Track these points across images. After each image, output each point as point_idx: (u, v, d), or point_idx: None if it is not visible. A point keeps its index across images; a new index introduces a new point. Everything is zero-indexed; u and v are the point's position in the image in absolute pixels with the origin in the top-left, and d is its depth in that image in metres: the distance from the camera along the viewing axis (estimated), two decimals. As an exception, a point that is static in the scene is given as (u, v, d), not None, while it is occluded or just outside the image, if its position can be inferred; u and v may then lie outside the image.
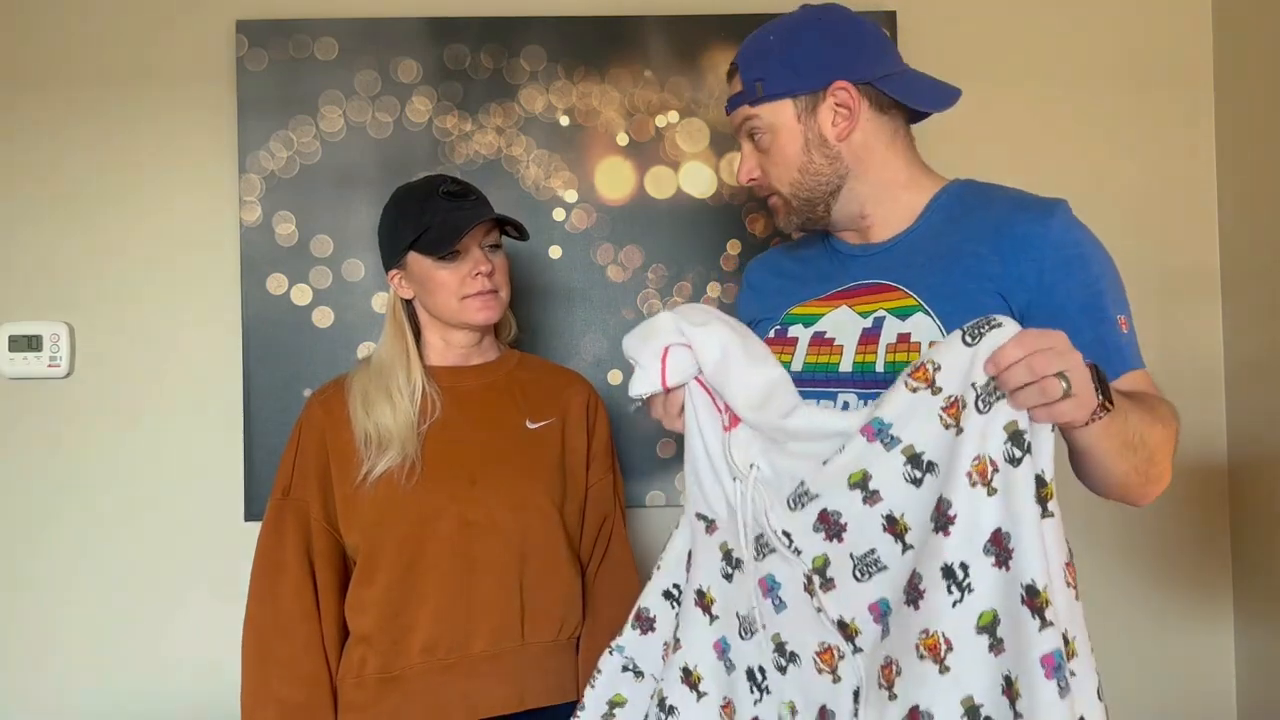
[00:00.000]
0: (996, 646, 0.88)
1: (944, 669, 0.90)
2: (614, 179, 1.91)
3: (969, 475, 0.90)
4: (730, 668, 1.12)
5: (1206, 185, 1.98)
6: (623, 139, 1.91)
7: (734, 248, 1.92)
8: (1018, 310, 1.13)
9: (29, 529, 1.88)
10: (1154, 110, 1.97)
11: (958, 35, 1.95)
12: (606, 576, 1.52)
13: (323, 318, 1.88)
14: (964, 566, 0.90)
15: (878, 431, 0.97)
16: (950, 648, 0.90)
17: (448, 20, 1.90)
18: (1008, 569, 0.88)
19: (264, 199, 1.88)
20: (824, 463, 1.01)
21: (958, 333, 0.93)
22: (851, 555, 1.00)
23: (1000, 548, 0.89)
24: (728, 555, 1.12)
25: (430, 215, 1.43)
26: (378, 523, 1.41)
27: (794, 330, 1.26)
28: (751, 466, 1.07)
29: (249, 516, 1.85)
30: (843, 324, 1.21)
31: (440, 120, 1.90)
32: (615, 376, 1.90)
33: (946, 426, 0.93)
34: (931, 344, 1.01)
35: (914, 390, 0.94)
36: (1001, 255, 1.15)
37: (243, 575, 1.44)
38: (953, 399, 0.92)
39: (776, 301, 1.31)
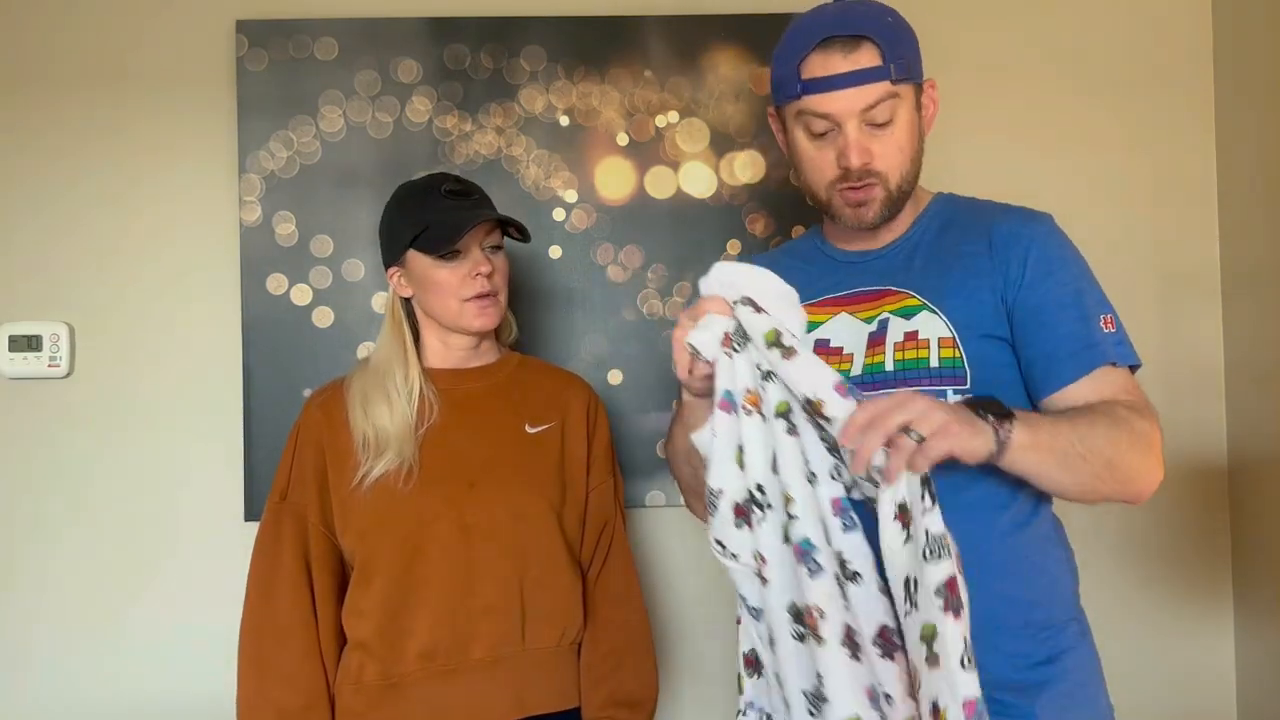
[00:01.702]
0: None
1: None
2: (614, 179, 1.91)
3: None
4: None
5: (1206, 185, 1.97)
6: (623, 139, 1.91)
7: (734, 248, 1.91)
8: (1005, 306, 1.17)
9: (29, 529, 1.88)
10: (1154, 110, 1.97)
11: (957, 35, 1.95)
12: (607, 581, 1.51)
13: (323, 318, 1.88)
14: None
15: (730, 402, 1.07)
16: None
17: (448, 20, 1.90)
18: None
19: (264, 199, 1.88)
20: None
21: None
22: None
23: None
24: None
25: (431, 213, 1.42)
26: (375, 527, 1.40)
27: None
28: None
29: (249, 517, 1.85)
30: (846, 332, 1.22)
31: (440, 120, 1.90)
32: (615, 377, 1.90)
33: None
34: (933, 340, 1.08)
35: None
36: (992, 254, 1.19)
37: (243, 575, 1.44)
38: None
39: None
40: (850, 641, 0.98)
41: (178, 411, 1.89)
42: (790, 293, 1.10)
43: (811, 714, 1.01)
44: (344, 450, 1.43)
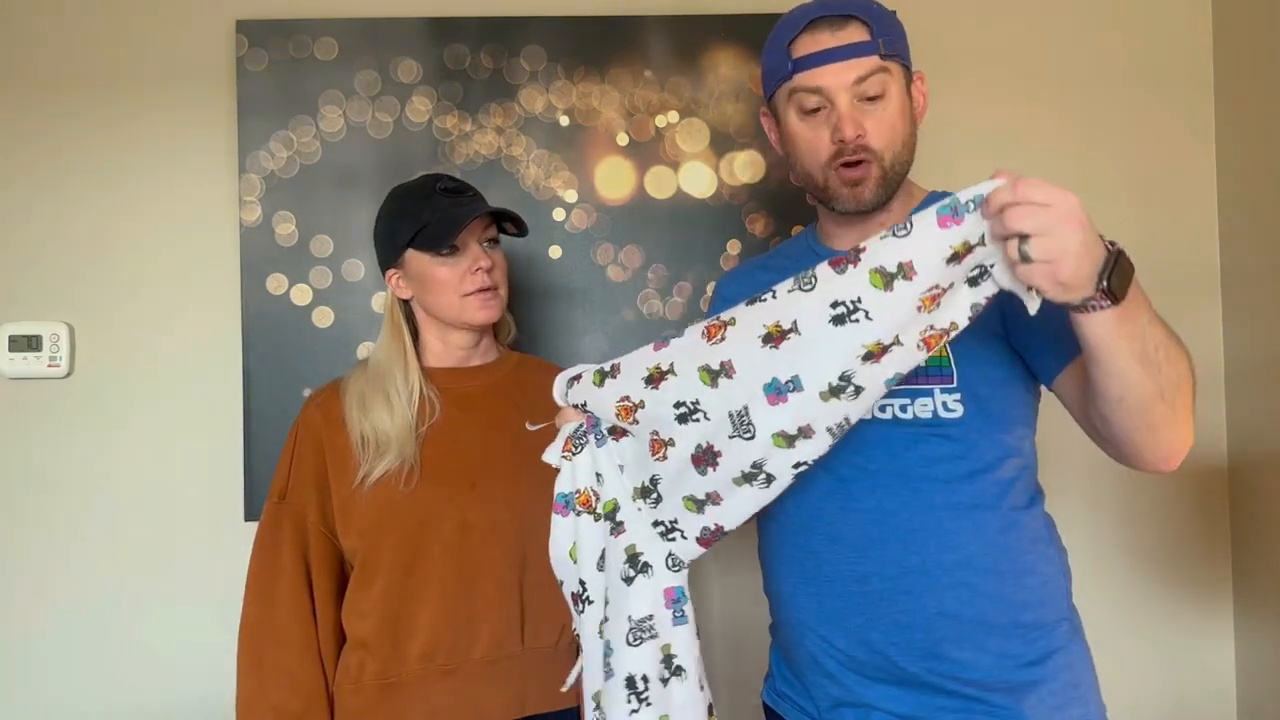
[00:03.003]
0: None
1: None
2: (614, 179, 1.91)
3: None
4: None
5: (1206, 185, 1.97)
6: (623, 139, 1.91)
7: (734, 248, 1.92)
8: (1002, 299, 1.15)
9: (28, 528, 1.88)
10: (1154, 110, 1.97)
11: (957, 35, 1.95)
12: None
13: (323, 318, 1.88)
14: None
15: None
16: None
17: (448, 20, 1.90)
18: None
19: (264, 199, 1.88)
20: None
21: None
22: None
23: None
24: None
25: (428, 212, 1.42)
26: (375, 526, 1.40)
27: None
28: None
29: (249, 516, 1.85)
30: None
31: (440, 120, 1.90)
32: (615, 376, 1.90)
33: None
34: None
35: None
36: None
37: (242, 575, 1.43)
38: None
39: None
40: None
41: (178, 411, 1.89)
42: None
43: None
44: (344, 450, 1.43)
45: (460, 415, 1.46)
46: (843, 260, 0.99)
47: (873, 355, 0.98)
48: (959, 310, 0.97)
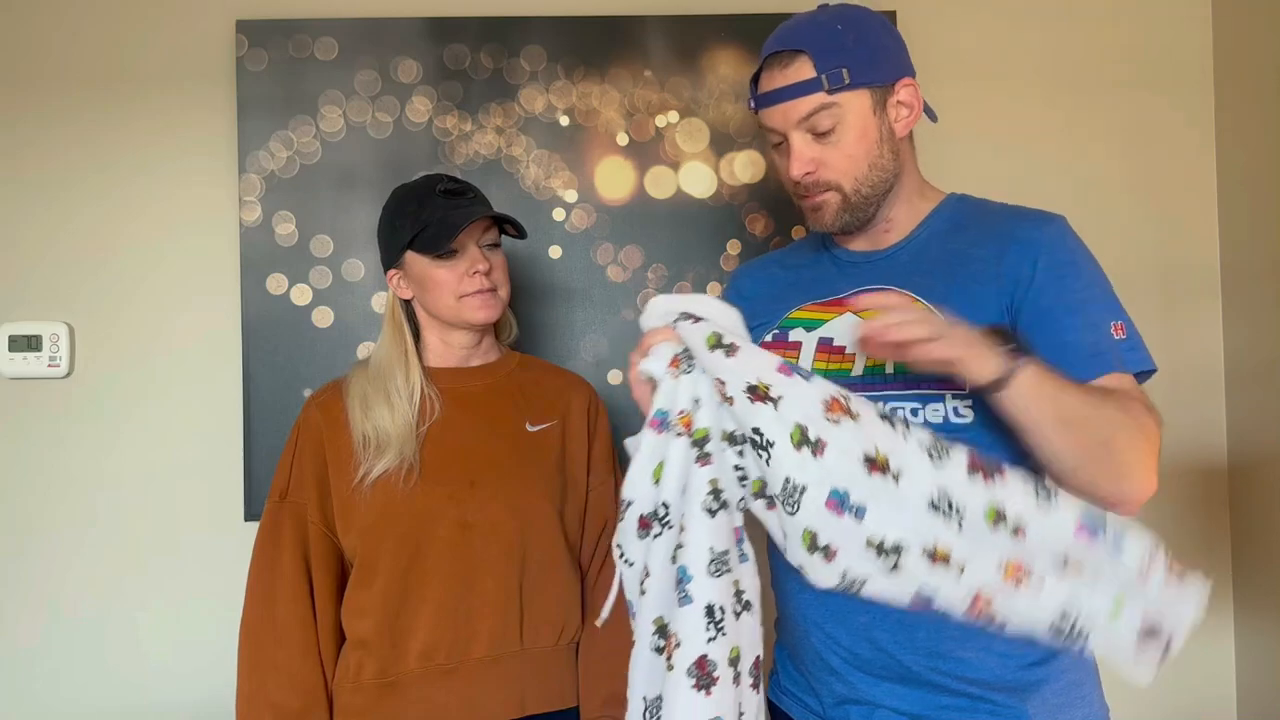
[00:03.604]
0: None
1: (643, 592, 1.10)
2: (614, 179, 1.91)
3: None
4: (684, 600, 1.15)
5: (1206, 185, 1.97)
6: (623, 139, 1.91)
7: (734, 248, 1.91)
8: (1011, 308, 1.16)
9: (28, 529, 1.88)
10: (1154, 110, 1.97)
11: (958, 35, 1.95)
12: (607, 581, 1.50)
13: (323, 318, 1.88)
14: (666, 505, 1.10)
15: (661, 422, 1.10)
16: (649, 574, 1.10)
17: (448, 20, 1.90)
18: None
19: (264, 199, 1.88)
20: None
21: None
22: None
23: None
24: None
25: (428, 214, 1.42)
26: (375, 525, 1.40)
27: (795, 334, 1.26)
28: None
29: (249, 516, 1.85)
30: (849, 331, 1.22)
31: (440, 120, 1.90)
32: (615, 377, 1.90)
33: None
34: None
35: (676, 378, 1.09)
36: (1001, 257, 1.17)
37: (242, 575, 1.44)
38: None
39: (773, 307, 1.31)
40: (703, 674, 1.03)
41: (178, 411, 1.89)
42: (731, 311, 1.12)
43: (644, 718, 1.08)
44: (344, 450, 1.43)
45: (461, 415, 1.46)
46: (980, 468, 1.00)
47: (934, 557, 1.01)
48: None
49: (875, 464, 1.00)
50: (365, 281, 1.88)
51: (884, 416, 1.01)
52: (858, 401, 1.02)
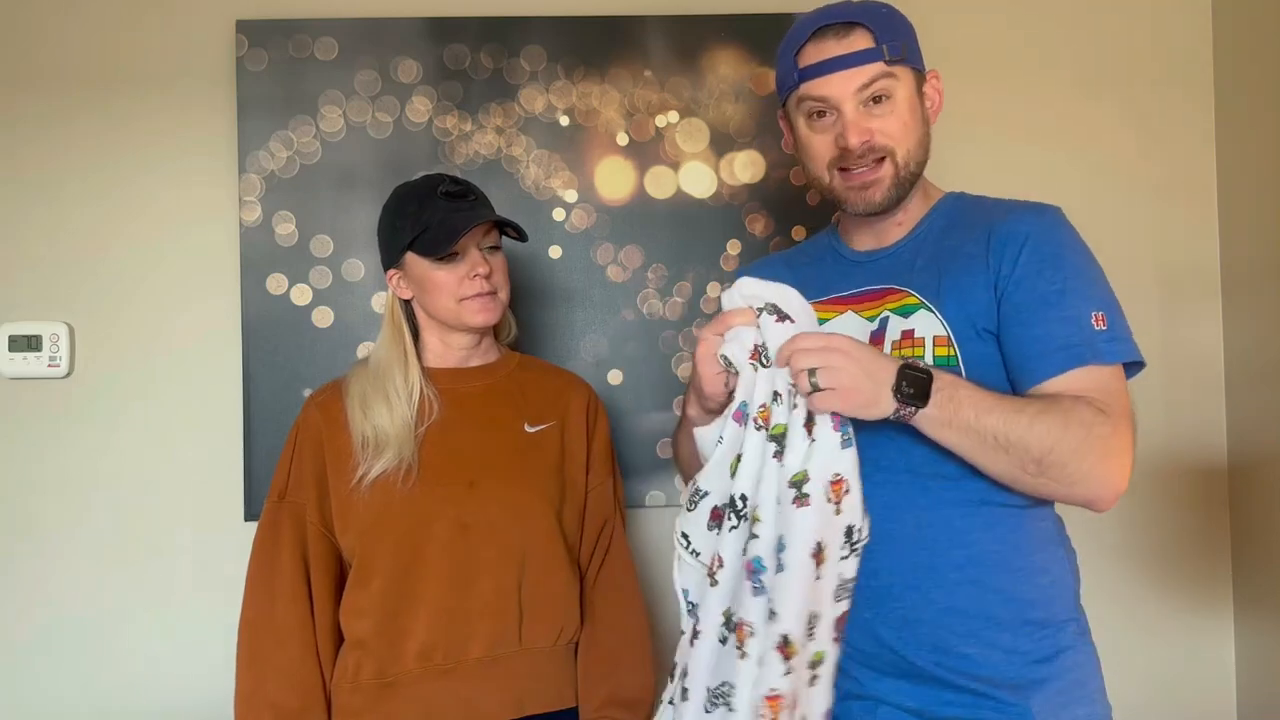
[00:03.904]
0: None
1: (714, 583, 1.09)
2: (614, 179, 1.91)
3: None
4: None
5: (1206, 185, 1.98)
6: (623, 139, 1.91)
7: (734, 248, 1.91)
8: (997, 301, 1.17)
9: (28, 528, 1.88)
10: (1154, 109, 1.97)
11: (958, 35, 1.95)
12: (606, 581, 1.51)
13: (323, 318, 1.88)
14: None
15: (743, 413, 1.09)
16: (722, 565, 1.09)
17: (448, 20, 1.90)
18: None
19: (264, 199, 1.88)
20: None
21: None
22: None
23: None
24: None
25: (429, 215, 1.42)
26: (374, 526, 1.40)
27: None
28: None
29: (249, 516, 1.85)
30: (850, 329, 1.22)
31: (440, 120, 1.90)
32: (615, 377, 1.90)
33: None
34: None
35: (755, 370, 1.09)
36: (989, 252, 1.18)
37: (241, 575, 1.44)
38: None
39: None
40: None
41: (178, 411, 1.89)
42: (810, 309, 1.13)
43: (708, 710, 1.08)
44: (343, 450, 1.43)
45: (459, 415, 1.46)
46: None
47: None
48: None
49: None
50: (365, 281, 1.88)
51: (849, 530, 1.04)
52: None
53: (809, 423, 1.03)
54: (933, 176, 1.32)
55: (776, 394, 1.06)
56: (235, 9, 1.90)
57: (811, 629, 1.03)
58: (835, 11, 1.20)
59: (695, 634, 1.09)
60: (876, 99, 1.19)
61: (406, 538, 1.39)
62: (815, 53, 1.20)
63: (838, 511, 1.03)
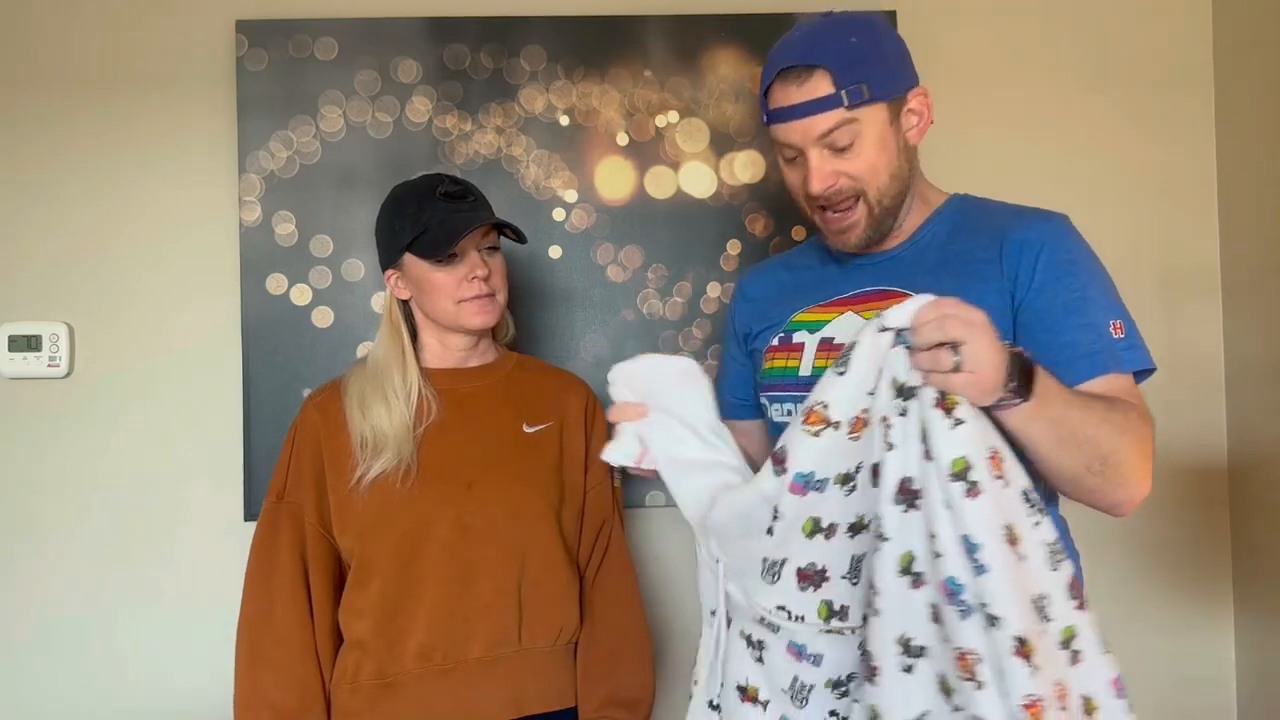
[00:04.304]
0: (917, 581, 0.97)
1: (875, 612, 0.99)
2: (614, 179, 1.91)
3: (882, 439, 0.98)
4: None
5: (1206, 185, 1.97)
6: (623, 139, 1.91)
7: (734, 248, 1.91)
8: (1012, 309, 1.16)
9: (28, 528, 1.88)
10: (1154, 110, 1.97)
11: (958, 36, 1.95)
12: (605, 581, 1.51)
13: (322, 318, 1.88)
14: (878, 518, 0.98)
15: (805, 484, 1.04)
16: (877, 592, 0.99)
17: (448, 20, 1.90)
18: (916, 509, 0.96)
19: (264, 199, 1.88)
20: (769, 531, 1.08)
21: (830, 371, 1.01)
22: (844, 579, 1.06)
23: (905, 493, 0.96)
24: (748, 639, 1.15)
25: (428, 217, 1.42)
26: (373, 526, 1.40)
27: (799, 336, 1.27)
28: (717, 561, 1.16)
29: (248, 516, 1.85)
30: (849, 330, 1.22)
31: (440, 120, 1.90)
32: (615, 376, 1.90)
33: (856, 440, 1.01)
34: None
35: (817, 434, 1.02)
36: (1003, 257, 1.17)
37: (241, 575, 1.44)
38: (854, 419, 1.00)
39: (778, 310, 1.32)
40: (1023, 650, 0.94)
41: (177, 411, 1.89)
42: (691, 367, 1.18)
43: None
44: (342, 450, 1.43)
45: (458, 416, 1.46)
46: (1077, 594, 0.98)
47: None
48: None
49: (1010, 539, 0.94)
50: (365, 281, 1.88)
51: (1025, 494, 0.97)
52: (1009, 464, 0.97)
53: (942, 402, 0.93)
54: (933, 177, 1.32)
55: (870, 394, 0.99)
56: (235, 9, 1.90)
57: (1044, 611, 0.95)
58: (798, 49, 1.16)
59: (872, 671, 1.01)
60: (840, 148, 1.16)
61: (405, 538, 1.39)
62: (780, 95, 1.17)
63: (1006, 484, 0.94)
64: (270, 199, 1.88)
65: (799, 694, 1.11)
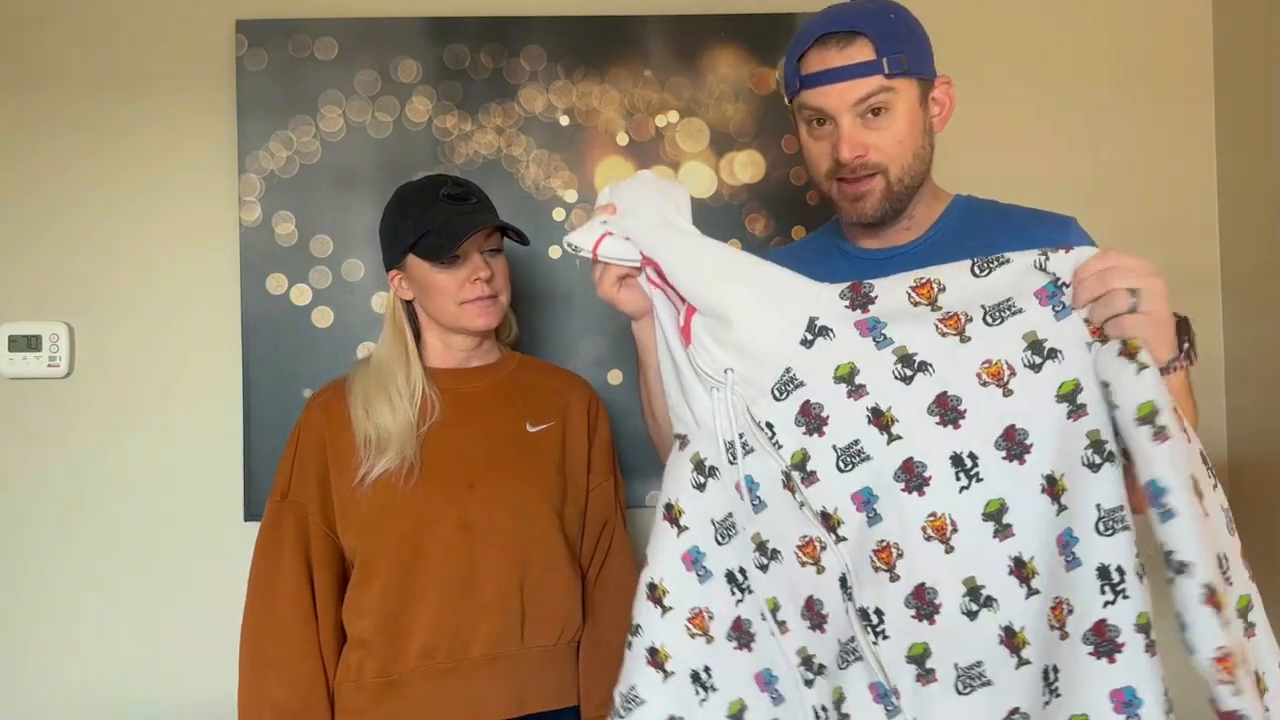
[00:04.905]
0: (1002, 532, 0.96)
1: (949, 549, 0.97)
2: (614, 179, 1.90)
3: (979, 376, 0.97)
4: (705, 576, 1.09)
5: (1206, 185, 1.97)
6: (623, 139, 1.91)
7: (734, 248, 1.91)
8: None
9: (28, 529, 1.88)
10: (1154, 110, 1.97)
11: (958, 35, 1.94)
12: (607, 580, 1.52)
13: (322, 318, 1.88)
14: (973, 456, 0.97)
15: (871, 328, 1.02)
16: (955, 529, 0.97)
17: (448, 20, 1.90)
18: (1022, 462, 0.95)
19: (264, 199, 1.88)
20: (809, 346, 1.05)
21: (967, 263, 0.99)
22: (834, 447, 1.03)
23: (1013, 442, 0.95)
24: (699, 465, 1.10)
25: (431, 219, 1.42)
26: (376, 525, 1.40)
27: None
28: (726, 371, 1.08)
29: (249, 516, 1.85)
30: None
31: (440, 120, 1.90)
32: (615, 376, 1.90)
33: (943, 335, 0.99)
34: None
35: (915, 304, 1.01)
36: None
37: (242, 575, 1.44)
38: (952, 314, 0.98)
39: None
40: (1103, 640, 0.97)
41: (178, 412, 1.89)
42: (678, 189, 1.22)
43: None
44: (345, 450, 1.43)
45: (461, 415, 1.46)
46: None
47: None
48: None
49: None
50: (365, 281, 1.88)
51: (1203, 455, 0.94)
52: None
53: (1125, 350, 0.89)
54: (935, 177, 1.32)
55: (1053, 351, 0.95)
56: (235, 9, 1.90)
57: (1225, 572, 0.92)
58: (839, 18, 1.18)
59: (933, 609, 0.98)
60: (875, 111, 1.17)
61: (408, 537, 1.40)
62: (817, 60, 1.18)
63: (1189, 439, 0.89)
64: (270, 199, 1.88)
65: (723, 530, 1.09)
